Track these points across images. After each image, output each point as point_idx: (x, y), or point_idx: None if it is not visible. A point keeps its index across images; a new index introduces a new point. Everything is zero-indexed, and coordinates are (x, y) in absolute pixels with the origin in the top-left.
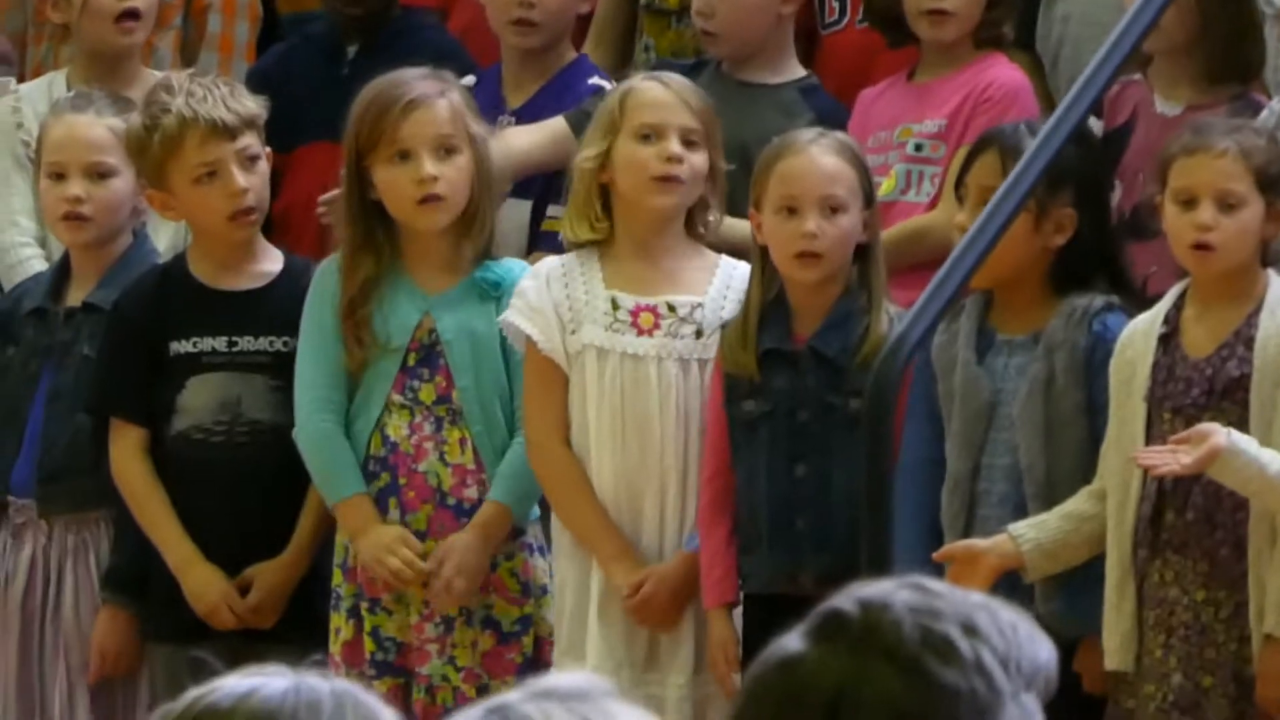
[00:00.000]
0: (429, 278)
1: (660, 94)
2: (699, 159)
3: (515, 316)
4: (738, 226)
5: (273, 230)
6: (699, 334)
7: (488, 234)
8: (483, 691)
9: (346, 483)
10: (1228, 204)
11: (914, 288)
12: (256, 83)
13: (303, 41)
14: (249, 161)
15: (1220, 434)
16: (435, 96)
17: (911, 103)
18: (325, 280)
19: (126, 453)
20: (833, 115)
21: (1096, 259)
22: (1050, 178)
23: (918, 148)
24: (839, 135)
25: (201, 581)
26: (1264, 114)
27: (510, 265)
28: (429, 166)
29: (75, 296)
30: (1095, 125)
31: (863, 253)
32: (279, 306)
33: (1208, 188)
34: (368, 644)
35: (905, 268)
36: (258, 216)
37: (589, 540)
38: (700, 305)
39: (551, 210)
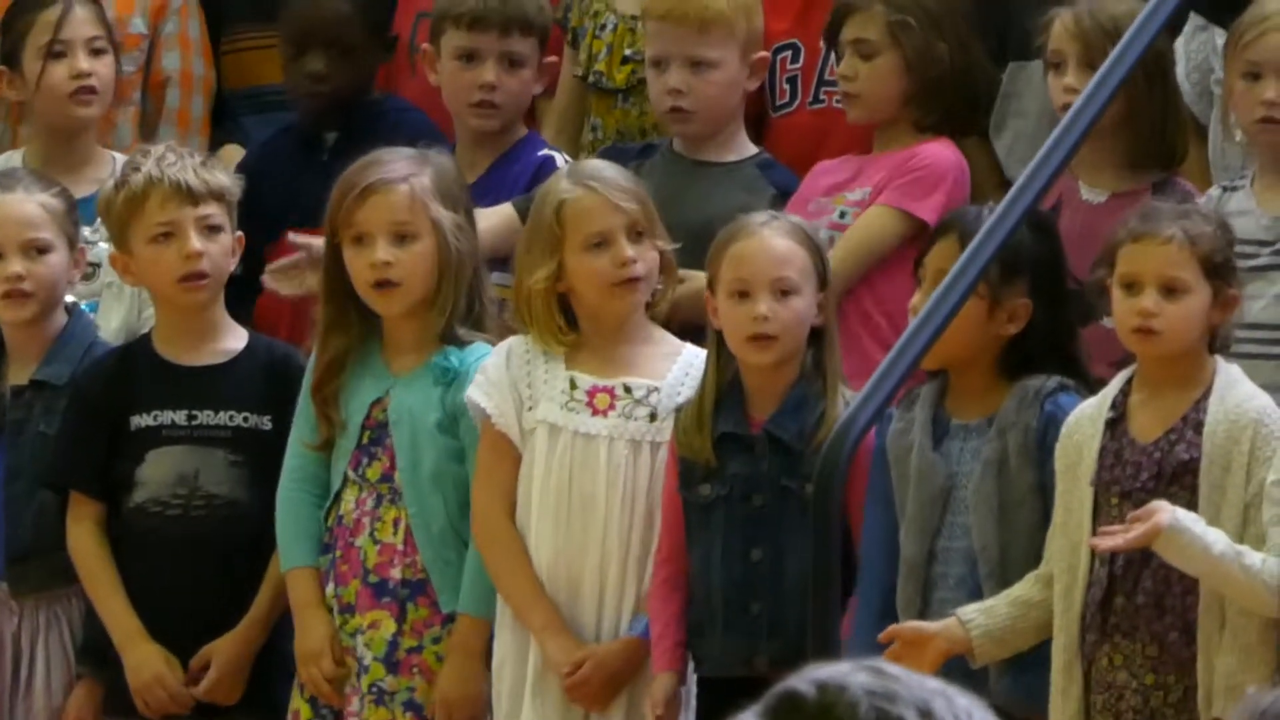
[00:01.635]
0: (396, 358)
1: (593, 201)
2: (649, 252)
3: (474, 391)
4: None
5: (253, 317)
6: (653, 417)
7: (449, 316)
8: None
9: (295, 554)
10: (1172, 290)
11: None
12: (244, 176)
13: (283, 132)
14: (209, 230)
15: (1165, 511)
16: (397, 182)
17: (851, 173)
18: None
19: (82, 527)
20: (792, 189)
21: (1049, 345)
22: (1005, 267)
23: (842, 215)
24: (792, 218)
25: (140, 659)
26: (1205, 197)
27: (475, 349)
28: (381, 252)
29: (17, 374)
30: None
31: (817, 336)
32: (240, 382)
33: (1152, 275)
34: (304, 711)
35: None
36: (212, 284)
37: (524, 613)
38: (657, 389)
39: (497, 278)
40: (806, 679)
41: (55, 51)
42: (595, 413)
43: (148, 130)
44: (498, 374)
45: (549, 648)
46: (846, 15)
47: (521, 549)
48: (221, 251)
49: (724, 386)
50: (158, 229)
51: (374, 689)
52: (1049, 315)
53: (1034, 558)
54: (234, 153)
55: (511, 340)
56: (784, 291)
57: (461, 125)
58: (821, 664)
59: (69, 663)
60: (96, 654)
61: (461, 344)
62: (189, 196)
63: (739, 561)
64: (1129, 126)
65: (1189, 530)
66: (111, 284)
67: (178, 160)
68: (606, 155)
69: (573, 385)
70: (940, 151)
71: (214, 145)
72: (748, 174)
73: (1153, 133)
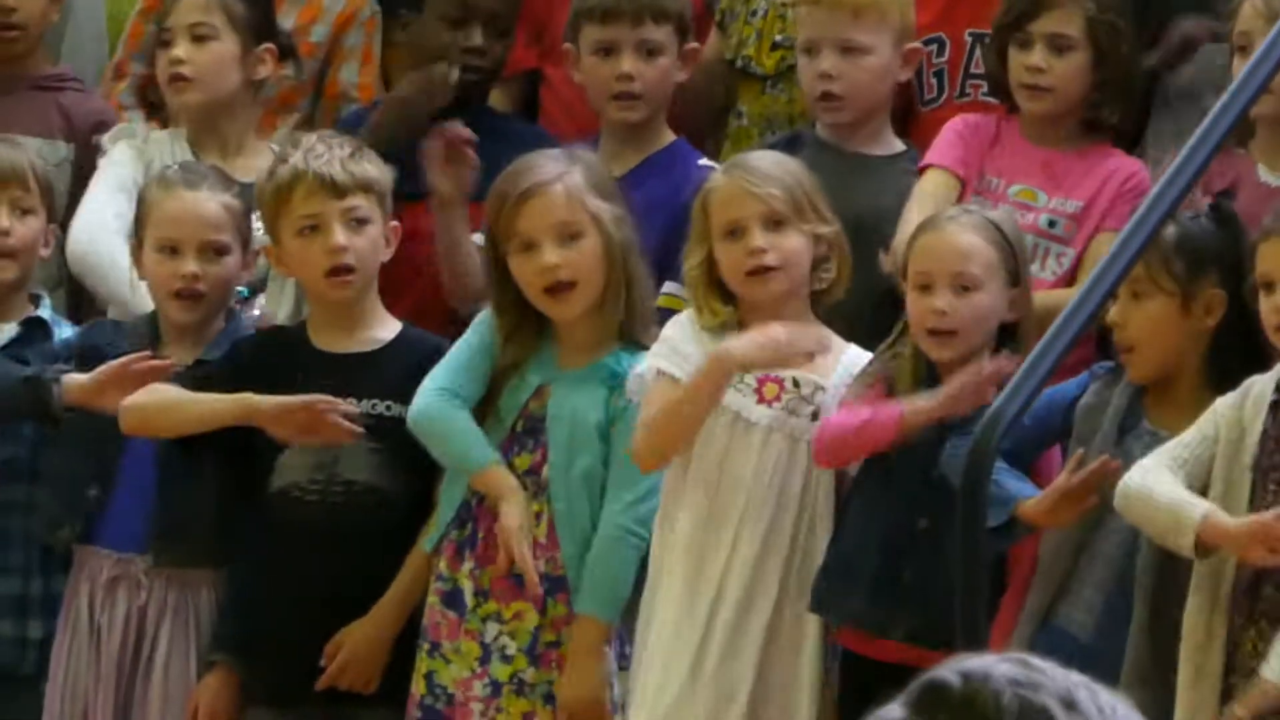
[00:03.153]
0: (566, 352)
1: (732, 189)
2: (790, 240)
3: (654, 357)
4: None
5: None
6: (815, 416)
7: (623, 313)
8: None
9: (481, 453)
10: None
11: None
12: None
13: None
14: (356, 223)
15: None
16: (551, 182)
17: (1033, 166)
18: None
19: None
20: None
21: (1247, 348)
22: (1190, 261)
23: (1051, 224)
24: (986, 212)
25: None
26: None
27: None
28: (549, 255)
29: (173, 356)
30: None
31: (1011, 332)
32: (385, 372)
33: None
34: (420, 686)
35: None
36: (359, 278)
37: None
38: (823, 389)
39: (667, 287)
40: (951, 669)
41: (163, 39)
42: (761, 400)
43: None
44: (684, 343)
45: None
46: (1044, 8)
47: None
48: (369, 244)
49: (923, 370)
50: (303, 222)
51: (515, 679)
52: (1241, 312)
53: None
54: None
55: (682, 316)
56: (964, 287)
57: (606, 121)
58: (967, 654)
59: (192, 647)
60: (235, 641)
61: (640, 347)
62: (334, 189)
63: (903, 527)
64: None
65: None
66: (275, 277)
67: (325, 152)
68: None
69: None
70: (1141, 169)
71: None
72: (901, 170)
73: None
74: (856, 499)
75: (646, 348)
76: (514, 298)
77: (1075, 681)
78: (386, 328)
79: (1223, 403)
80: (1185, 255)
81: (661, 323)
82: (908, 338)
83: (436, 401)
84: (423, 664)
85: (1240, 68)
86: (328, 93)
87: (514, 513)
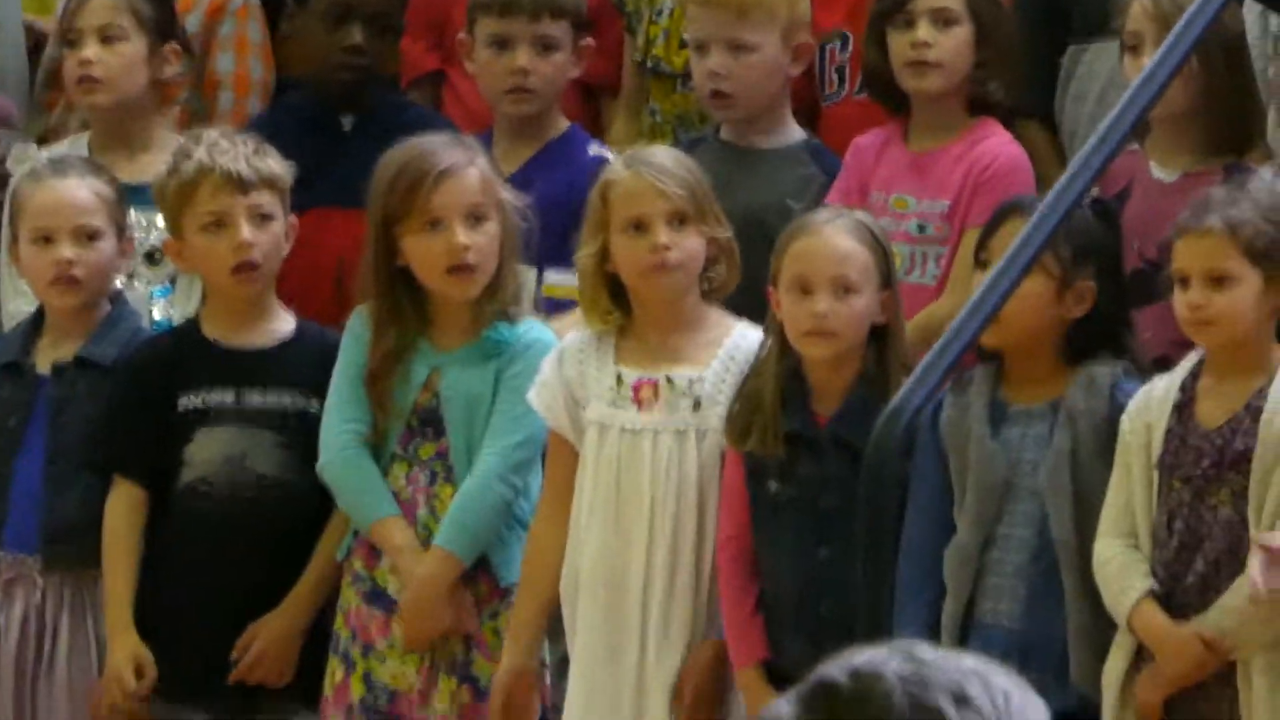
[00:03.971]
0: (443, 337)
1: (637, 184)
2: (690, 239)
3: (531, 394)
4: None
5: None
6: (697, 405)
7: (507, 297)
8: None
9: (382, 505)
10: (1218, 281)
11: None
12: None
13: (291, 107)
14: (260, 219)
15: None
16: (466, 165)
17: (907, 171)
18: (359, 325)
19: (119, 509)
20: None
21: (1110, 329)
22: (1076, 250)
23: (920, 228)
24: (857, 215)
25: (116, 649)
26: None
27: (527, 326)
28: (461, 236)
29: (53, 354)
30: None
31: (881, 335)
32: (289, 365)
33: (1197, 268)
34: (357, 688)
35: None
36: (263, 274)
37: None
38: (700, 379)
39: (550, 277)
40: (841, 667)
41: (69, 39)
42: (641, 407)
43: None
44: (550, 377)
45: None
46: None
47: (540, 567)
48: (273, 240)
49: (787, 381)
50: (208, 218)
51: (449, 659)
52: (1110, 301)
53: None
54: None
55: (569, 338)
56: (845, 289)
57: (500, 115)
58: (856, 650)
59: (92, 643)
60: (140, 636)
61: (512, 321)
62: (240, 185)
63: (808, 560)
64: (1205, 110)
65: None
66: (181, 276)
67: (230, 148)
68: None
69: (619, 381)
70: (1008, 149)
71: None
72: (797, 159)
73: (1229, 117)
74: (759, 540)
75: (516, 320)
76: (395, 278)
77: (967, 671)
78: (285, 322)
79: (1126, 418)
80: (1072, 242)
81: (549, 311)
82: (770, 351)
83: (343, 453)
84: (358, 666)
85: (1130, 66)
86: (206, 83)
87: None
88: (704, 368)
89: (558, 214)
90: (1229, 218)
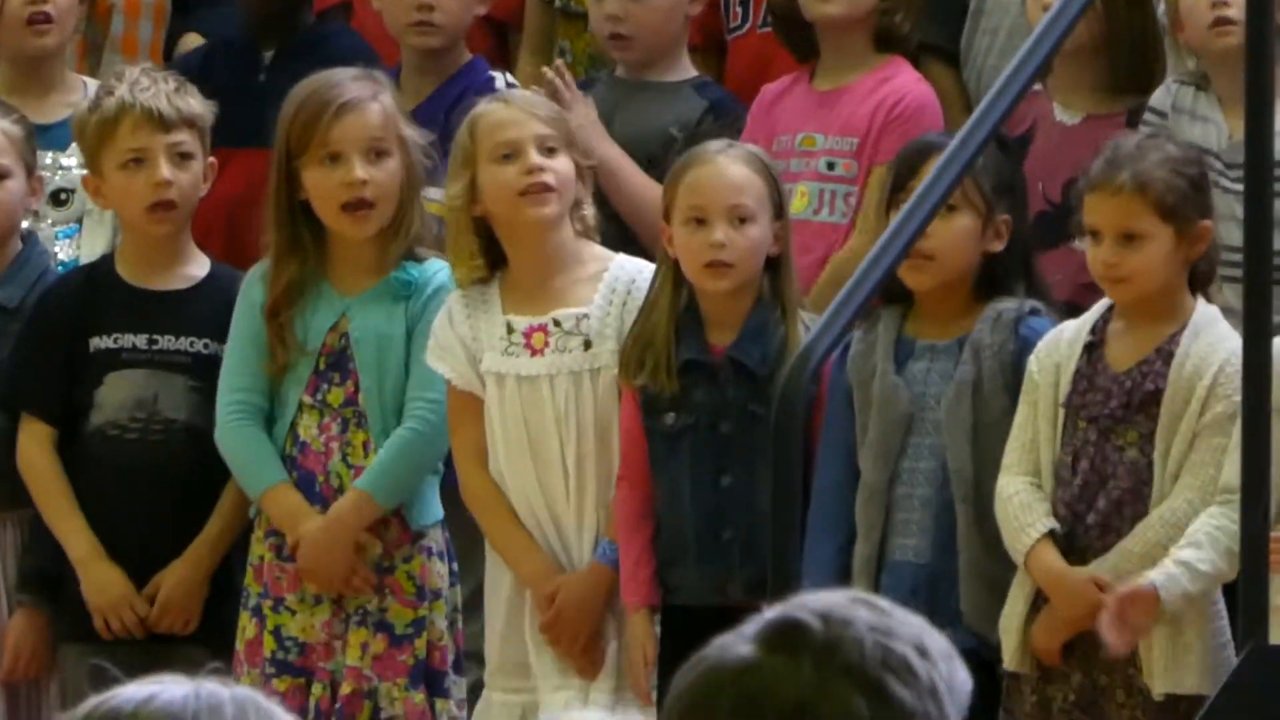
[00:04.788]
0: (349, 279)
1: (505, 112)
2: (562, 164)
3: (430, 358)
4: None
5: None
6: (587, 345)
7: (411, 236)
8: (371, 694)
9: (269, 473)
10: (1129, 238)
11: None
12: None
13: (221, 45)
14: (180, 158)
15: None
16: (368, 100)
17: (814, 110)
18: (253, 287)
19: (33, 447)
20: (727, 107)
21: (1019, 265)
22: (996, 185)
23: (829, 165)
24: (748, 146)
25: (102, 580)
26: (1163, 89)
27: (431, 265)
28: (359, 170)
29: None
30: None
31: (774, 264)
32: (202, 309)
33: (1109, 225)
34: (268, 642)
35: None
36: (180, 214)
37: (512, 561)
38: (585, 316)
39: (431, 193)
40: (807, 610)
41: None
42: (534, 353)
43: (94, 59)
44: (445, 335)
45: (537, 591)
46: None
47: (498, 498)
48: (191, 180)
49: (679, 314)
50: (128, 155)
51: (360, 611)
52: (1021, 237)
53: None
54: (193, 40)
55: (450, 299)
56: (740, 219)
57: (406, 49)
58: (811, 593)
59: (4, 589)
60: (40, 581)
61: (419, 260)
62: (160, 123)
63: (709, 489)
64: (1107, 49)
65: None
66: (92, 210)
67: (151, 86)
68: None
69: (509, 330)
70: (917, 88)
71: (174, 34)
72: (683, 93)
73: (1131, 55)
74: (657, 474)
75: (423, 260)
76: (294, 211)
77: (917, 625)
78: (199, 265)
79: (1034, 358)
80: (990, 178)
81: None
82: (662, 285)
83: (231, 423)
84: (269, 620)
85: (1033, 2)
86: (98, 9)
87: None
88: (588, 304)
89: (443, 134)
90: (1139, 174)
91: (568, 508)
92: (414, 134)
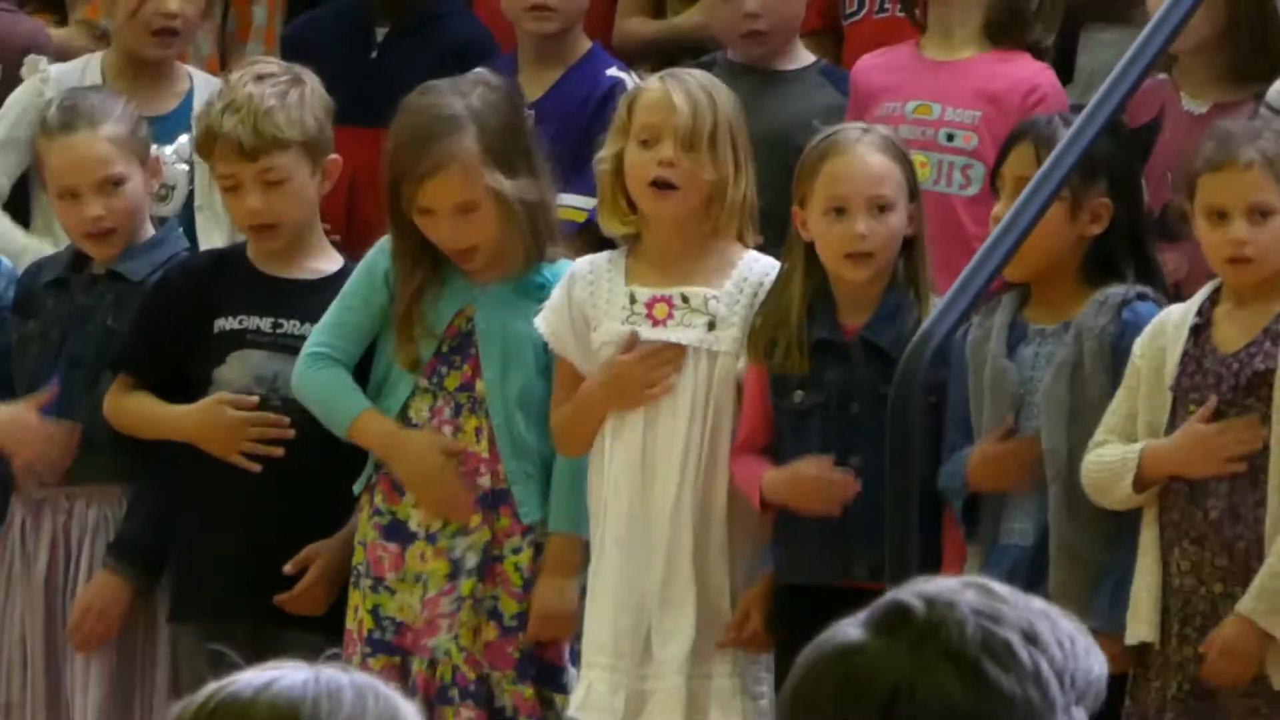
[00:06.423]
0: (482, 274)
1: (659, 97)
2: (697, 165)
3: (538, 320)
4: None
5: None
6: (711, 326)
7: (540, 237)
8: (482, 680)
9: (353, 403)
10: (1261, 214)
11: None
12: (286, 51)
13: (333, 17)
14: (269, 184)
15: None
16: (446, 162)
17: (928, 78)
18: (379, 258)
19: (122, 395)
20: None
21: (1129, 249)
22: (1084, 168)
23: (949, 137)
24: (882, 131)
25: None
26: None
27: (561, 265)
28: (446, 229)
29: (97, 267)
30: None
31: (908, 245)
32: (328, 300)
33: (1237, 203)
34: (366, 621)
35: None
36: (281, 232)
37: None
38: (715, 297)
39: (563, 199)
40: (915, 593)
41: None
42: (655, 323)
43: (234, 45)
44: (558, 301)
45: None
46: None
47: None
48: (288, 200)
49: (812, 296)
50: (224, 181)
51: (472, 594)
52: (1127, 218)
53: None
54: None
55: (578, 262)
56: (880, 208)
57: (522, 34)
58: (928, 578)
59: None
60: (129, 548)
61: (551, 261)
62: (245, 153)
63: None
64: (1230, 38)
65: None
66: (202, 208)
67: (244, 104)
68: None
69: (632, 300)
70: (1048, 76)
71: (292, 11)
72: (813, 81)
73: (1254, 44)
74: (783, 454)
75: (554, 261)
76: (411, 226)
77: (1036, 611)
78: (330, 261)
79: (1139, 343)
80: (1079, 162)
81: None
82: (795, 268)
83: (307, 367)
84: (367, 600)
85: None
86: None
87: (411, 468)
88: (718, 287)
89: (571, 136)
90: (1264, 150)
91: (664, 484)
92: (505, 181)
